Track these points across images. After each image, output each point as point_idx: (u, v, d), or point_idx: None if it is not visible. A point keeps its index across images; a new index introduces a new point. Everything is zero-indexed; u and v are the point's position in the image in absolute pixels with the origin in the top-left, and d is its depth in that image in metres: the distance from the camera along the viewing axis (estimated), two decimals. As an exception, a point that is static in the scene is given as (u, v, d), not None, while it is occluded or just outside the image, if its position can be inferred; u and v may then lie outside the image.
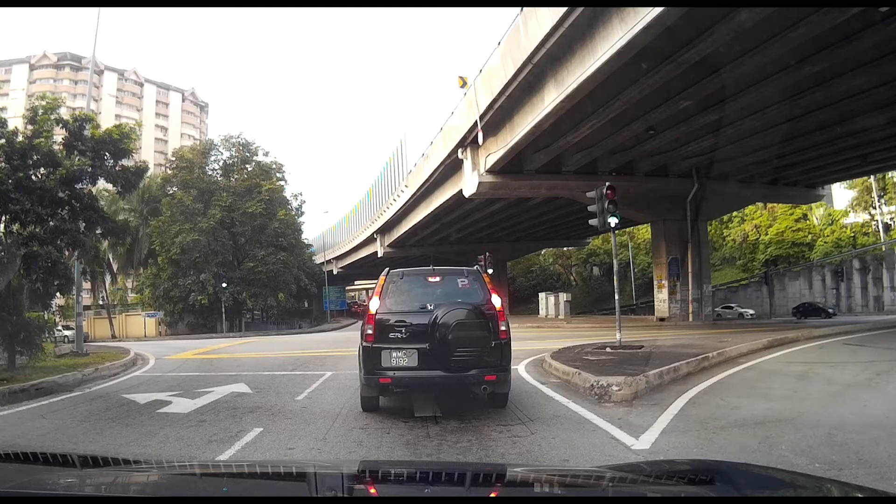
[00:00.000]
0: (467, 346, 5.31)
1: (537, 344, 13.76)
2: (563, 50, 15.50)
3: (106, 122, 73.53)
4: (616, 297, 11.45)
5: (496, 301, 5.72)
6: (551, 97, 16.86)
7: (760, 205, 44.28)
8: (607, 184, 11.71)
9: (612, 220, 11.35)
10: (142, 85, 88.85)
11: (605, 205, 11.45)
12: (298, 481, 2.07)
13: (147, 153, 78.72)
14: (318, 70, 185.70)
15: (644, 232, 52.44)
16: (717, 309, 34.28)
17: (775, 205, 45.57)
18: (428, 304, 5.67)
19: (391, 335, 5.58)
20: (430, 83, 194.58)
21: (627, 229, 51.31)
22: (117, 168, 10.07)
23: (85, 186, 10.01)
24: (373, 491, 2.03)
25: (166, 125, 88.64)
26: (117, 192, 10.46)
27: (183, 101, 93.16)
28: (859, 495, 1.93)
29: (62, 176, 9.37)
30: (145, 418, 6.08)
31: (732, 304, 36.77)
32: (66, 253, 10.65)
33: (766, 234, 47.22)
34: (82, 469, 2.28)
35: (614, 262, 12.11)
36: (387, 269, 6.12)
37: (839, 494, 1.96)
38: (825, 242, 44.44)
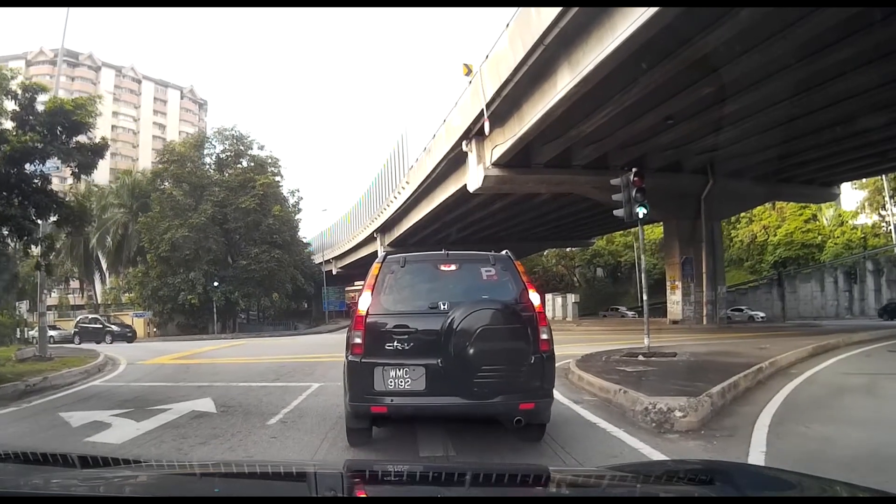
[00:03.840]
0: (496, 363, 3.91)
1: (551, 349, 12.40)
2: (578, 29, 14.29)
3: (103, 119, 72.55)
4: (644, 297, 10.12)
5: (535, 298, 4.28)
6: (564, 81, 15.62)
7: (769, 205, 43.34)
8: (634, 170, 10.39)
9: (641, 211, 10.01)
10: (139, 82, 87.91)
11: (633, 193, 10.11)
12: (298, 481, 2.05)
13: (145, 151, 77.82)
14: (318, 66, 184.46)
15: (650, 232, 51.36)
16: (726, 311, 33.49)
17: (784, 205, 44.80)
18: (440, 303, 4.25)
19: (388, 346, 4.15)
20: (433, 76, 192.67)
21: (633, 229, 50.18)
22: (72, 145, 8.72)
23: (36, 167, 8.66)
24: (373, 491, 1.98)
25: (164, 123, 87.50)
26: (72, 174, 9.13)
27: (181, 98, 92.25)
28: (860, 495, 1.91)
29: (7, 153, 8.01)
30: (67, 450, 4.68)
31: (742, 307, 35.56)
32: (11, 244, 9.30)
33: (775, 235, 46.33)
34: (82, 469, 2.23)
35: (642, 257, 10.87)
36: (383, 253, 4.74)
37: (840, 494, 1.92)
38: (835, 244, 43.60)
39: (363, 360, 4.14)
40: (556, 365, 8.89)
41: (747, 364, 7.91)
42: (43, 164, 8.51)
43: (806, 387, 7.47)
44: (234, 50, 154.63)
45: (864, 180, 40.03)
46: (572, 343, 14.62)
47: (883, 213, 44.49)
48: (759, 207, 42.29)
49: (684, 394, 5.45)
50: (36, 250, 9.60)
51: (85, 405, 7.00)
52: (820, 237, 44.51)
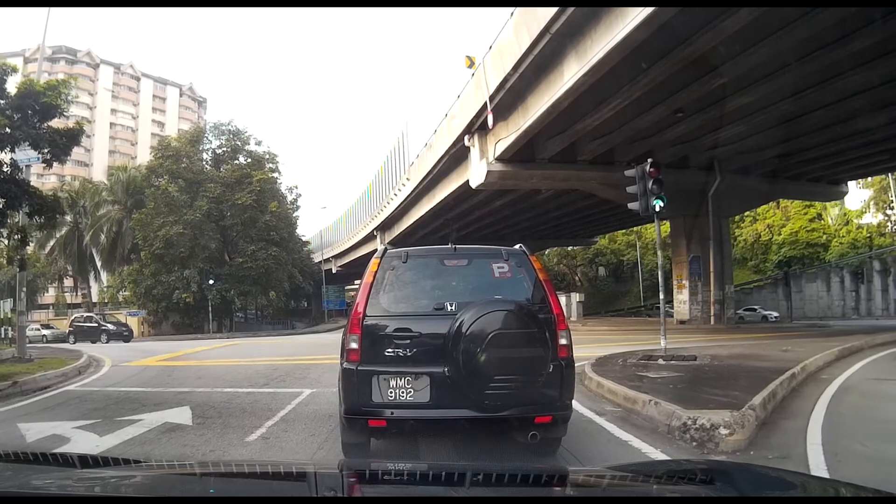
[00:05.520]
0: (510, 372, 3.49)
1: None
2: (586, 16, 13.67)
3: (102, 116, 71.65)
4: (661, 296, 9.45)
5: (553, 298, 3.88)
6: (572, 72, 14.96)
7: (773, 204, 42.74)
8: (650, 160, 9.72)
9: (658, 204, 9.34)
10: (138, 79, 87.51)
11: (649, 185, 9.43)
12: (298, 481, 2.03)
13: (143, 149, 77.20)
14: (318, 62, 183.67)
15: (652, 231, 50.77)
16: (738, 311, 32.77)
17: (788, 204, 44.30)
18: (447, 303, 3.84)
19: (388, 352, 3.72)
20: (435, 70, 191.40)
21: (635, 228, 49.87)
22: (43, 129, 8.02)
23: (6, 154, 7.97)
24: (373, 491, 1.97)
25: (163, 120, 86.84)
26: (44, 162, 8.44)
27: (180, 95, 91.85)
28: (861, 495, 1.89)
29: (-28, 139, 7.34)
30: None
31: (755, 307, 34.85)
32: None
33: (780, 235, 45.71)
34: (82, 469, 2.16)
35: (659, 254, 10.04)
36: (383, 246, 4.30)
37: (840, 494, 1.91)
38: (840, 243, 42.99)
39: (360, 368, 3.71)
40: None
41: (778, 369, 7.24)
42: (13, 151, 7.82)
43: (844, 395, 6.80)
44: (234, 46, 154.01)
45: (869, 179, 39.57)
46: (581, 344, 13.87)
47: (889, 212, 44.03)
48: (763, 206, 41.76)
49: (722, 405, 4.79)
50: (8, 243, 8.92)
51: (49, 414, 6.31)
52: (825, 236, 43.94)
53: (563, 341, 3.80)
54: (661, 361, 8.15)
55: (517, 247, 4.28)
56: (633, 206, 9.78)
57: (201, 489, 1.95)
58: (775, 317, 33.78)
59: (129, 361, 12.61)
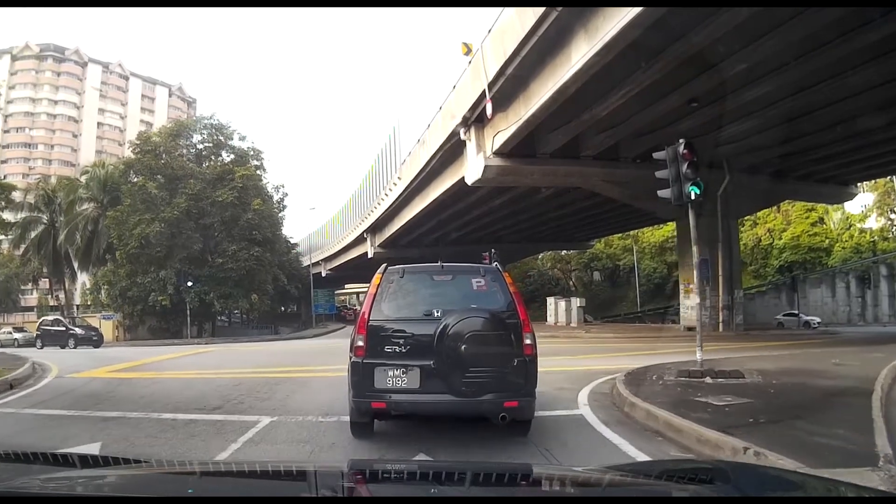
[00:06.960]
0: (483, 364, 4.37)
1: (570, 362, 10.29)
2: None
3: (89, 116, 70.12)
4: (697, 300, 8.02)
5: (520, 307, 4.72)
6: (580, 53, 13.69)
7: (773, 208, 41.87)
8: (683, 141, 8.28)
9: (693, 191, 7.87)
10: (127, 78, 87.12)
11: (683, 169, 7.98)
12: (299, 480, 2.03)
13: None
14: (309, 62, 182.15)
15: (649, 235, 49.73)
16: (777, 317, 32.50)
17: (789, 208, 43.70)
18: (434, 310, 4.69)
19: (387, 348, 4.63)
20: (429, 65, 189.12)
21: (632, 232, 48.97)
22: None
23: None
24: (373, 490, 1.95)
25: (152, 120, 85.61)
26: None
27: (170, 95, 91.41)
28: (862, 495, 1.87)
29: None
30: None
31: (795, 311, 33.65)
32: None
33: (780, 239, 44.80)
34: (82, 469, 2.15)
35: (694, 249, 8.54)
36: (384, 265, 5.13)
37: (841, 494, 1.86)
38: (843, 248, 42.14)
39: (365, 361, 4.57)
40: (592, 385, 6.91)
41: (855, 390, 5.77)
42: None
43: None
44: (223, 46, 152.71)
45: (874, 181, 38.85)
46: (591, 354, 12.51)
47: (892, 216, 43.37)
48: (763, 210, 40.98)
49: (845, 454, 3.31)
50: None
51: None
52: (827, 241, 43.10)
53: (527, 341, 4.53)
54: (708, 380, 6.61)
55: (493, 265, 5.21)
56: (663, 193, 8.31)
57: (202, 489, 1.93)
58: (817, 322, 32.43)
59: (79, 372, 10.97)
